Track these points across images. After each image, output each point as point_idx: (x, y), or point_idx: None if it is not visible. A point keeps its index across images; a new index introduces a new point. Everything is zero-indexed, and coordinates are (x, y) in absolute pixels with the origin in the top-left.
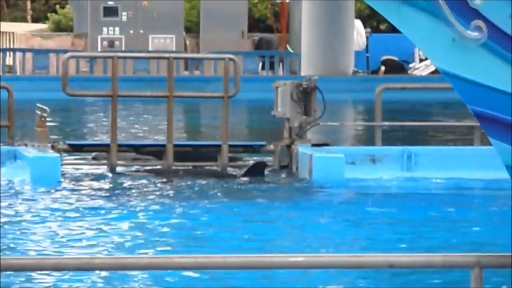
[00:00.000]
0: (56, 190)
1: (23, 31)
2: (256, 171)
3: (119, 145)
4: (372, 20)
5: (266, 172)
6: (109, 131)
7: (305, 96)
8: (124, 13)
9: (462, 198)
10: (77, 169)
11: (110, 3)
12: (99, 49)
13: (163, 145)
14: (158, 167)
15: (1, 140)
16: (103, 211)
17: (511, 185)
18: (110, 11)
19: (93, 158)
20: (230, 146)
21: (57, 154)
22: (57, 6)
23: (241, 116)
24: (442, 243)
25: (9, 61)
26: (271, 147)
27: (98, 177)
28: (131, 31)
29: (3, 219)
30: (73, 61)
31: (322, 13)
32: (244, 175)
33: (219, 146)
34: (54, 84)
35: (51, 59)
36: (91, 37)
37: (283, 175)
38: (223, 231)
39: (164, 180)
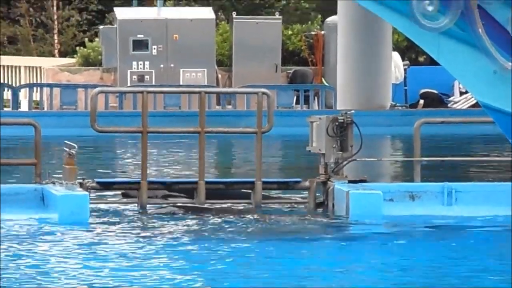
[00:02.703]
0: (85, 229)
1: (50, 65)
2: None
3: (150, 183)
4: (410, 52)
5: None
6: (139, 168)
7: (341, 131)
8: (154, 46)
9: (505, 235)
10: (106, 207)
11: (140, 36)
12: (128, 84)
13: (195, 182)
14: (190, 205)
15: (29, 178)
16: (133, 251)
17: None
18: (140, 45)
19: (123, 194)
20: (264, 183)
21: (86, 192)
22: (86, 40)
23: (275, 152)
24: (488, 282)
25: (36, 96)
26: (306, 183)
27: (128, 216)
28: (162, 65)
29: (31, 259)
30: (102, 96)
31: (358, 45)
32: None
33: (252, 183)
34: (82, 120)
35: (79, 94)
36: (121, 71)
37: (319, 213)
38: (256, 270)
39: (196, 218)
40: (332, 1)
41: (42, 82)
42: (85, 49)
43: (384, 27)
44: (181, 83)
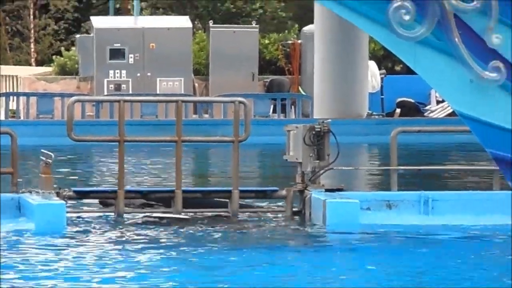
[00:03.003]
0: (61, 238)
1: (27, 74)
2: None
3: (127, 192)
4: (386, 61)
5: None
6: (116, 177)
7: (318, 139)
8: (131, 55)
9: (481, 244)
10: (83, 216)
11: (117, 45)
12: (105, 93)
13: (172, 191)
14: (167, 214)
15: (5, 187)
16: (109, 260)
17: None
18: (117, 54)
19: (101, 203)
20: (241, 191)
21: (62, 201)
22: (62, 49)
23: (252, 161)
24: None
25: (12, 105)
26: (283, 192)
27: (105, 225)
28: (138, 74)
29: (6, 269)
30: (78, 105)
31: (335, 54)
32: None
33: (229, 191)
34: (59, 129)
35: (56, 103)
36: (97, 80)
37: (295, 221)
38: (233, 278)
39: (173, 227)
40: (309, 10)
41: (19, 91)
42: (62, 58)
43: (361, 36)
44: (158, 92)
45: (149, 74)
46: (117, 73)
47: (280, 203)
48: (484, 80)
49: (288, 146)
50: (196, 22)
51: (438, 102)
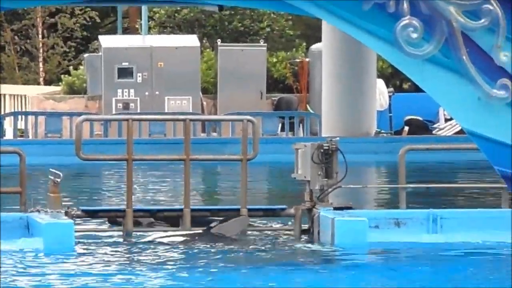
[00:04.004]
0: (70, 257)
1: (35, 93)
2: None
3: (135, 210)
4: (394, 79)
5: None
6: (124, 196)
7: (326, 158)
8: (139, 74)
9: (490, 262)
10: (92, 235)
11: (125, 64)
12: (113, 112)
13: (180, 210)
14: (175, 232)
15: (14, 207)
16: (117, 280)
17: None
18: (125, 73)
19: (110, 221)
20: (250, 210)
21: (71, 220)
22: (71, 68)
23: (260, 179)
24: None
25: (21, 124)
26: (292, 211)
27: (113, 244)
28: (147, 93)
29: None
30: (86, 124)
31: (343, 73)
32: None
33: (238, 210)
34: (67, 148)
35: (64, 122)
36: (105, 99)
37: (304, 240)
38: None
39: (181, 246)
40: (316, 28)
41: (27, 110)
42: (70, 77)
43: (369, 54)
44: (166, 111)
45: (157, 92)
46: (125, 92)
47: (288, 222)
48: (492, 98)
49: (297, 164)
50: (204, 41)
51: (446, 120)
